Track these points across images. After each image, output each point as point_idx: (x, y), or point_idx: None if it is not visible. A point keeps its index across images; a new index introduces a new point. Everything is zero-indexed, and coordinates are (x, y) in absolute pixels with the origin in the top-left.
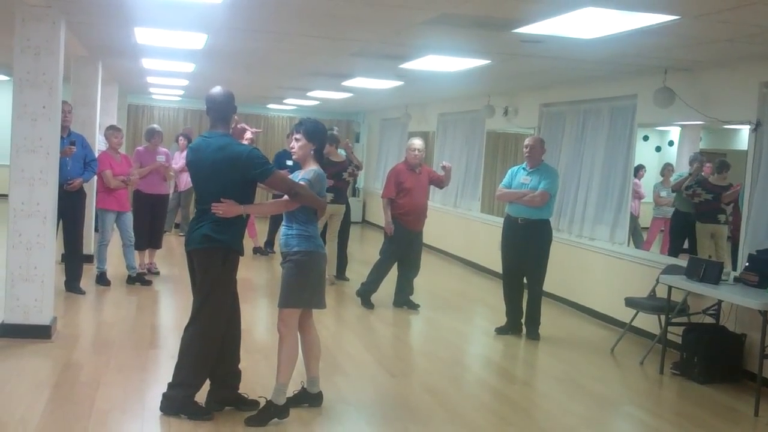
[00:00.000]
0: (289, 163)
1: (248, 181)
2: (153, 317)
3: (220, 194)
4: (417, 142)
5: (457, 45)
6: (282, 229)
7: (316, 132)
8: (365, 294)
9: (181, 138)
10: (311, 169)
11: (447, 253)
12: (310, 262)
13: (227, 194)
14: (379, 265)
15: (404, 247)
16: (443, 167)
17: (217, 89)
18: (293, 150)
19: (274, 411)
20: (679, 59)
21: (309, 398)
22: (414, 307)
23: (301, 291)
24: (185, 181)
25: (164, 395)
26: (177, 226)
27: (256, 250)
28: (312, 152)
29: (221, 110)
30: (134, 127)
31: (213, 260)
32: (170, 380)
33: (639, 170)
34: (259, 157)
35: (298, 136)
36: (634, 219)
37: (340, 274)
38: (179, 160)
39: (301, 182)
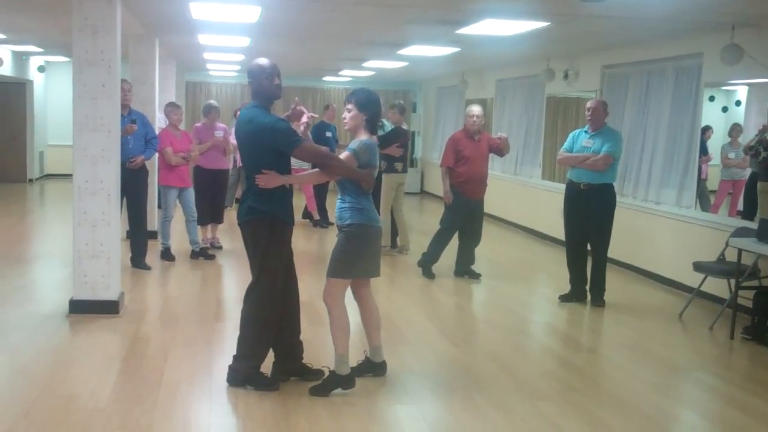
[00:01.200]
0: (328, 134)
1: (279, 153)
2: (217, 291)
3: (257, 166)
4: (476, 109)
5: (515, 7)
6: (336, 202)
7: (368, 102)
8: (426, 264)
9: (238, 112)
10: (359, 139)
11: (508, 222)
12: (361, 235)
13: (263, 165)
14: (440, 235)
15: (465, 217)
16: (499, 138)
17: (254, 61)
18: (345, 121)
19: (337, 381)
20: (747, 14)
21: (373, 367)
22: (475, 276)
23: (350, 263)
24: None
25: (230, 367)
26: (238, 201)
27: (316, 223)
28: (364, 122)
29: (254, 81)
30: (192, 104)
31: (259, 231)
32: (234, 353)
33: (706, 131)
34: (286, 129)
35: (349, 106)
36: (701, 182)
37: (395, 243)
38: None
39: (347, 152)
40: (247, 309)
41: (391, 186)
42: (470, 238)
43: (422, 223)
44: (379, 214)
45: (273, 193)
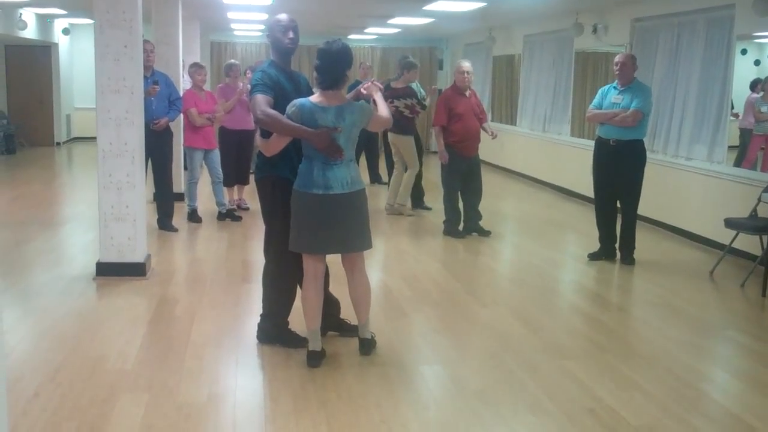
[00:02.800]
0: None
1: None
2: (244, 252)
3: None
4: (466, 65)
5: None
6: None
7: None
8: (450, 228)
9: (248, 71)
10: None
11: (536, 180)
12: (295, 201)
13: None
14: (447, 197)
15: (463, 175)
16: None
17: (274, 16)
18: None
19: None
20: None
21: (360, 343)
22: (485, 233)
23: (293, 235)
24: None
25: (258, 325)
26: None
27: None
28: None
29: (270, 35)
30: (218, 64)
31: (264, 190)
32: (261, 311)
33: (755, 85)
34: (254, 79)
35: None
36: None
37: (419, 203)
38: None
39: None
40: (264, 268)
41: (413, 146)
42: (472, 196)
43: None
44: (390, 175)
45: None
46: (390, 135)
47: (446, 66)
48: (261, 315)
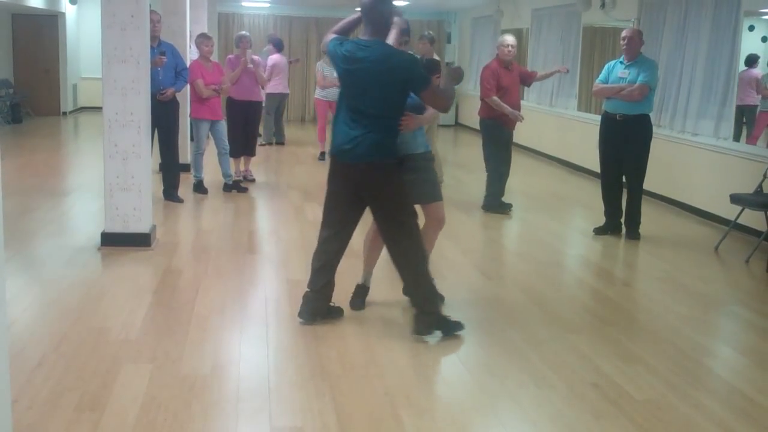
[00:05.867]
0: None
1: (407, 91)
2: (250, 223)
3: (383, 105)
4: (510, 38)
5: None
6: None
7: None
8: (493, 202)
9: (270, 45)
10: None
11: (542, 154)
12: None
13: (390, 104)
14: (494, 170)
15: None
16: (559, 70)
17: None
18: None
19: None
20: None
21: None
22: (506, 207)
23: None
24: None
25: (419, 320)
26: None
27: (323, 156)
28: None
29: (381, 16)
30: (225, 35)
31: (398, 174)
32: (416, 305)
33: (754, 61)
34: (422, 68)
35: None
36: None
37: None
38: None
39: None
40: (410, 258)
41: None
42: (504, 165)
43: (457, 155)
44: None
45: (396, 134)
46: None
47: (454, 40)
48: (420, 310)
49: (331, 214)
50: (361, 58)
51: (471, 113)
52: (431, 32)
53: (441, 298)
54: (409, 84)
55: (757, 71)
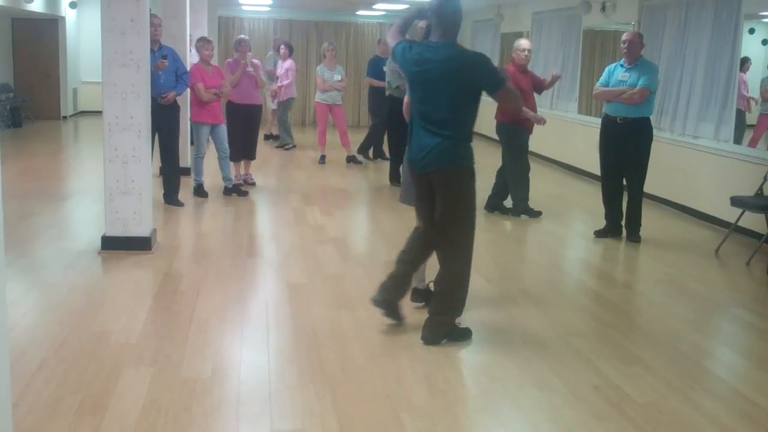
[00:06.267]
0: (385, 68)
1: (478, 92)
2: (250, 227)
3: (453, 108)
4: (525, 43)
5: None
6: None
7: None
8: (525, 206)
9: (283, 47)
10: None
11: (542, 157)
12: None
13: (461, 107)
14: (521, 175)
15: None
16: (553, 76)
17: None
18: None
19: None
20: None
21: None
22: (536, 214)
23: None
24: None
25: (434, 325)
26: (268, 137)
27: (350, 159)
28: None
29: (450, 17)
30: (225, 39)
31: (465, 178)
32: (438, 310)
33: (744, 63)
34: (496, 68)
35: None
36: (741, 115)
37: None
38: (283, 69)
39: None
40: (454, 263)
41: None
42: (527, 173)
43: None
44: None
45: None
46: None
47: None
48: (436, 316)
49: (420, 210)
50: (430, 59)
51: (482, 120)
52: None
53: (460, 312)
54: (481, 85)
55: (743, 75)
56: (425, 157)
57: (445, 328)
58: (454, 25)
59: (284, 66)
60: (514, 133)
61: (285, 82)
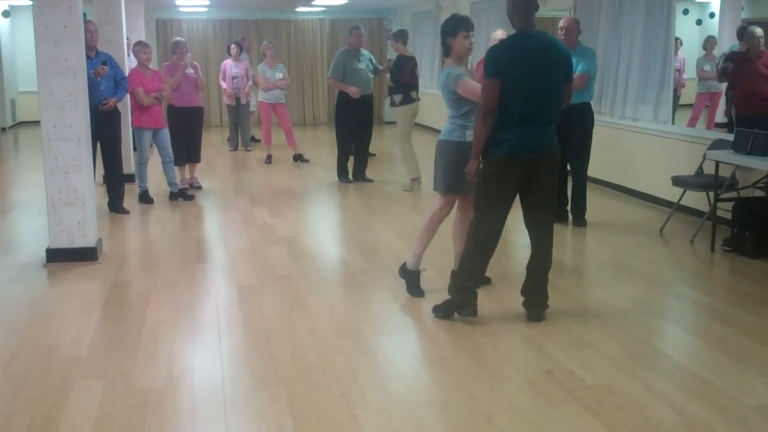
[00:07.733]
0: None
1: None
2: (198, 232)
3: (556, 92)
4: (501, 33)
5: None
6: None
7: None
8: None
9: (233, 46)
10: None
11: None
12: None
13: (557, 91)
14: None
15: None
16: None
17: None
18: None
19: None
20: None
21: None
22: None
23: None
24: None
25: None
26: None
27: (296, 158)
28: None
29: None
30: (164, 42)
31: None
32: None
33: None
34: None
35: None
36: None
37: (360, 175)
38: (237, 70)
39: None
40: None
41: (409, 116)
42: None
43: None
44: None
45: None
46: (411, 106)
47: None
48: (545, 298)
49: (496, 212)
50: (535, 48)
51: (429, 113)
52: (401, 28)
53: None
54: (566, 72)
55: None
56: (541, 140)
57: (454, 299)
58: (530, 7)
59: (243, 66)
60: None
61: (250, 83)
